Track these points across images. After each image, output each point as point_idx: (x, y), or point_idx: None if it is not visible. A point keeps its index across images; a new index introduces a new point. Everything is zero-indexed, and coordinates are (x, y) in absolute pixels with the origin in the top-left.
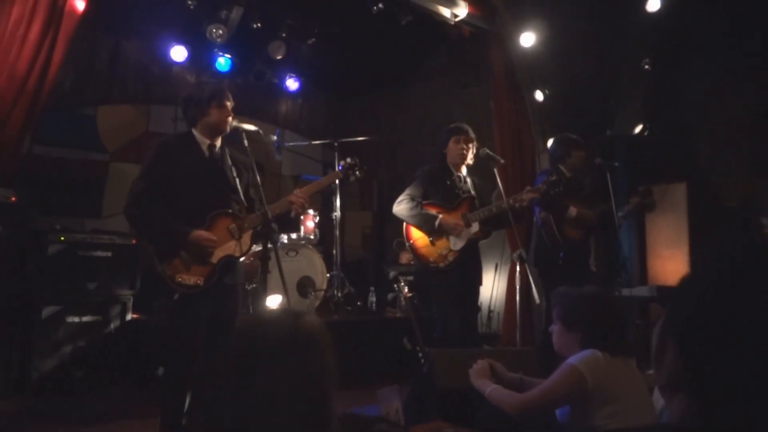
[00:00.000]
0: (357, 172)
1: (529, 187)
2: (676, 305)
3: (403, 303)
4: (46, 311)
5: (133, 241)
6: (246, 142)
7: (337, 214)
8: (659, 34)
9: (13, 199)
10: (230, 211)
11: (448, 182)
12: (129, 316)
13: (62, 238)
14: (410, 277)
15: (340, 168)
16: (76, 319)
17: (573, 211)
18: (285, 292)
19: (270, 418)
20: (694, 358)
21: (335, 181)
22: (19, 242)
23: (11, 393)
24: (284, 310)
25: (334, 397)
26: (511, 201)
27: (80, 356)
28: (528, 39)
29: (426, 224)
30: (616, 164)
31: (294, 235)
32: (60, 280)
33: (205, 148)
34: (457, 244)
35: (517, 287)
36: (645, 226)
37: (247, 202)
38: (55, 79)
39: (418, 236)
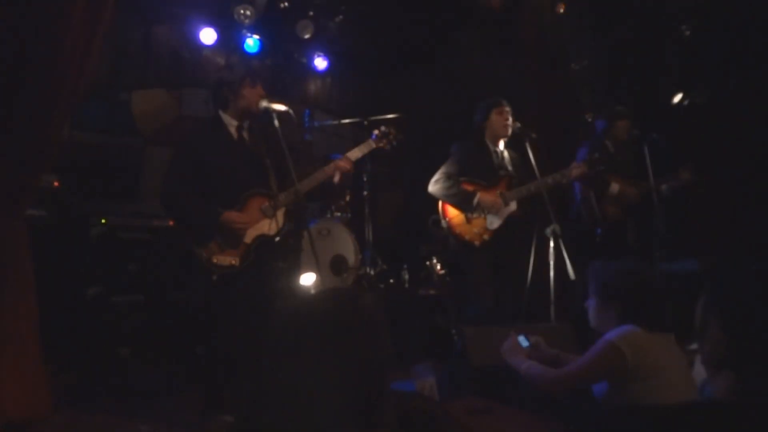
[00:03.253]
0: (393, 141)
1: (575, 163)
2: (718, 280)
3: (436, 280)
4: (91, 292)
5: (171, 223)
6: (276, 123)
7: (368, 191)
8: None
9: (56, 183)
10: (263, 190)
11: (486, 159)
12: (168, 296)
13: (103, 221)
14: (443, 255)
15: (373, 137)
16: (119, 299)
17: (615, 188)
18: (318, 270)
19: (319, 406)
20: (737, 334)
21: (367, 152)
22: (62, 226)
23: (63, 371)
24: (337, 291)
25: (388, 383)
26: (558, 176)
27: (124, 335)
28: (561, 8)
29: (463, 203)
30: (655, 136)
31: (327, 214)
32: (102, 262)
33: (233, 130)
34: (493, 223)
35: (551, 263)
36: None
37: (279, 180)
38: (92, 66)
39: (454, 214)
